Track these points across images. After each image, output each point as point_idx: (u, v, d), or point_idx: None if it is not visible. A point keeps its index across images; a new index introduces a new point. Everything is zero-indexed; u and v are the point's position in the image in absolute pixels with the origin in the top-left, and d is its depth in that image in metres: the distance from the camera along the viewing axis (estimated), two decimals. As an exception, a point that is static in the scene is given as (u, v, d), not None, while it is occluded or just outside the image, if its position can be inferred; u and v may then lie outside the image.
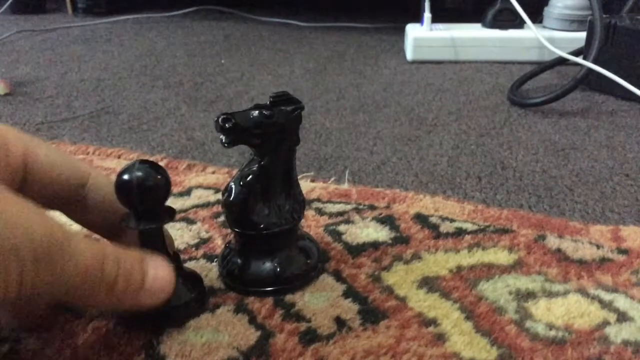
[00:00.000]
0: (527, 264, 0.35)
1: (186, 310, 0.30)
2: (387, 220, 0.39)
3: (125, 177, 0.27)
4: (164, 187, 0.28)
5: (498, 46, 0.83)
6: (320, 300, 0.32)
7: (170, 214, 0.29)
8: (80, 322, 0.30)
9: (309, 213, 0.41)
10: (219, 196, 0.43)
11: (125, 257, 0.25)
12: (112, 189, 0.28)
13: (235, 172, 0.34)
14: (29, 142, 0.25)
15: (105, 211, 0.28)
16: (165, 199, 0.28)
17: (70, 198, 0.27)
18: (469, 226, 0.39)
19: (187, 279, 0.31)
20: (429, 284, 0.33)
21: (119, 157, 0.51)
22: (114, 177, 0.27)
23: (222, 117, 0.29)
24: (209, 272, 0.34)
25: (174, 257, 0.30)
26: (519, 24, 0.84)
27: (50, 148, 0.26)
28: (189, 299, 0.30)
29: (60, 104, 0.68)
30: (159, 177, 0.27)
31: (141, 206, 0.27)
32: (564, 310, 0.31)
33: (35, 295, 0.21)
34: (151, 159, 0.50)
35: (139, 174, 0.27)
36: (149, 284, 0.25)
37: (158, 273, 0.26)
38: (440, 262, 0.35)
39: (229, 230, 0.38)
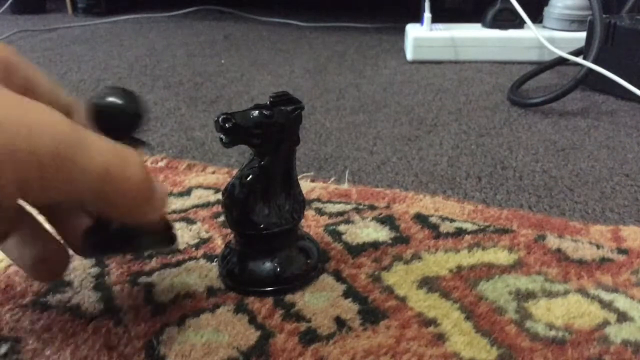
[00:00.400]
0: (527, 264, 0.35)
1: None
2: (387, 220, 0.39)
3: (100, 98, 0.26)
4: (135, 115, 0.27)
5: (498, 46, 0.84)
6: (320, 300, 0.32)
7: (140, 143, 0.28)
8: (80, 322, 0.30)
9: (309, 213, 0.41)
10: (219, 196, 0.43)
11: (138, 159, 0.23)
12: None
13: (235, 172, 0.34)
14: (31, 70, 0.24)
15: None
16: (136, 126, 0.28)
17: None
18: (469, 226, 0.39)
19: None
20: (429, 284, 0.33)
21: (119, 157, 0.51)
22: None
23: (222, 117, 0.29)
24: (209, 272, 0.34)
25: None
26: (519, 24, 0.84)
27: (49, 77, 0.25)
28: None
29: (60, 104, 0.68)
30: (132, 104, 0.26)
31: (113, 129, 0.26)
32: (564, 310, 0.31)
33: (53, 196, 0.20)
34: (151, 159, 0.51)
35: (113, 97, 0.26)
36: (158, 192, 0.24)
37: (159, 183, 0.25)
38: (440, 262, 0.35)
39: (229, 230, 0.38)
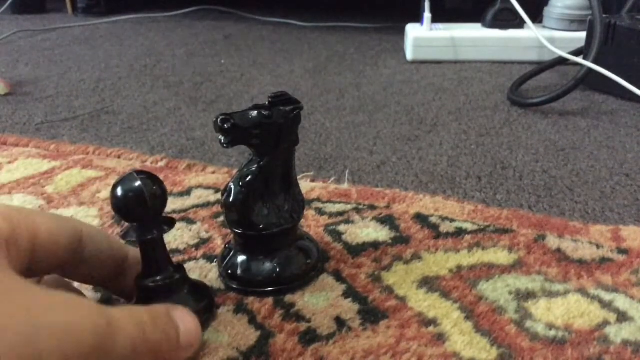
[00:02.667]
0: (527, 264, 0.35)
1: None
2: (387, 220, 0.39)
3: (123, 189, 0.27)
4: (162, 197, 0.27)
5: (498, 46, 0.83)
6: (320, 300, 0.32)
7: (169, 223, 0.29)
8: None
9: (309, 213, 0.41)
10: (219, 196, 0.43)
11: (158, 316, 0.25)
12: (104, 236, 0.28)
13: (235, 172, 0.34)
14: (29, 216, 0.25)
15: (102, 260, 0.28)
16: (163, 208, 0.28)
17: (70, 256, 0.27)
18: (469, 226, 0.39)
19: (194, 289, 0.30)
20: (429, 283, 0.33)
21: (119, 157, 0.51)
22: (113, 178, 0.27)
23: (221, 117, 0.29)
24: (209, 272, 0.34)
25: (178, 267, 0.30)
26: (519, 24, 0.84)
27: (44, 214, 0.26)
28: (198, 308, 0.29)
29: (60, 104, 0.68)
30: (154, 187, 0.27)
31: (140, 217, 0.27)
32: (564, 310, 0.31)
33: None
34: (151, 159, 0.51)
35: (137, 184, 0.26)
36: (182, 340, 0.25)
37: (186, 327, 0.26)
38: (440, 262, 0.35)
39: (229, 230, 0.38)
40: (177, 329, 0.25)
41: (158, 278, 0.28)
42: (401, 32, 0.93)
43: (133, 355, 0.23)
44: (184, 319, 0.26)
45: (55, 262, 0.26)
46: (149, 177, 0.27)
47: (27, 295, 0.21)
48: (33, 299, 0.21)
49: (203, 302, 0.30)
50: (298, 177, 0.34)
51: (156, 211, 0.28)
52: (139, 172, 0.27)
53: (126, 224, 0.28)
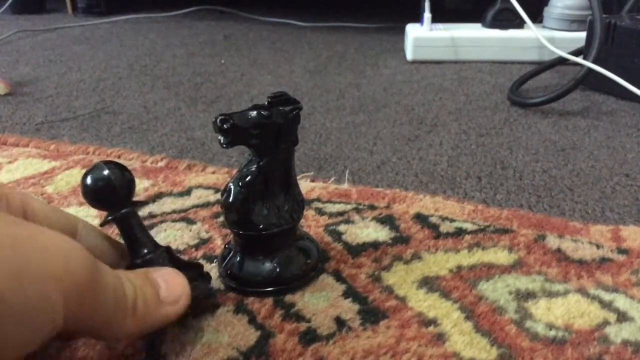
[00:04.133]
0: (527, 264, 0.35)
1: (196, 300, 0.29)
2: (387, 220, 0.39)
3: (92, 178, 0.27)
4: (129, 183, 0.28)
5: (498, 46, 0.83)
6: (320, 300, 0.32)
7: (138, 204, 0.29)
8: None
9: (309, 213, 0.41)
10: (219, 196, 0.43)
11: (133, 276, 0.25)
12: (100, 233, 0.29)
13: (235, 172, 0.34)
14: (24, 195, 0.25)
15: (98, 256, 0.28)
16: (132, 194, 0.29)
17: None
18: (469, 226, 0.39)
19: (185, 265, 0.30)
20: (429, 283, 0.33)
21: (119, 157, 0.51)
22: None
23: (220, 117, 0.29)
24: (209, 272, 0.34)
25: (166, 249, 0.30)
26: (519, 24, 0.84)
27: (42, 201, 0.26)
28: (190, 276, 0.29)
29: (60, 104, 0.68)
30: (122, 174, 0.28)
31: (111, 203, 0.28)
32: (564, 310, 0.31)
33: (76, 329, 0.21)
34: (151, 159, 0.51)
35: (105, 173, 0.27)
36: (164, 295, 0.25)
37: (169, 281, 0.26)
38: (440, 262, 0.35)
39: (228, 230, 0.38)
40: (156, 286, 0.25)
41: (144, 251, 0.29)
42: (401, 32, 0.93)
43: (115, 314, 0.22)
44: (166, 276, 0.26)
45: None
46: (117, 165, 0.28)
47: (25, 225, 0.20)
48: (25, 224, 0.20)
49: (195, 271, 0.30)
50: (298, 177, 0.34)
51: (126, 197, 0.28)
52: (106, 162, 0.28)
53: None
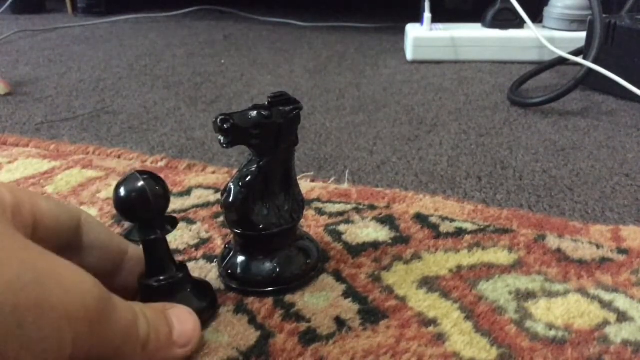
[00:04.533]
0: (527, 264, 0.35)
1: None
2: (387, 220, 0.39)
3: (126, 189, 0.27)
4: (164, 196, 0.28)
5: (498, 46, 0.83)
6: (320, 300, 0.32)
7: (172, 223, 0.29)
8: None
9: (309, 213, 0.41)
10: (219, 196, 0.43)
11: (150, 312, 0.25)
12: (103, 227, 0.28)
13: (235, 172, 0.34)
14: (32, 196, 0.25)
15: (101, 250, 0.28)
16: (166, 208, 0.28)
17: (70, 241, 0.27)
18: (469, 226, 0.39)
19: (197, 287, 0.30)
20: (429, 284, 0.33)
21: (118, 157, 0.51)
22: (113, 178, 0.27)
23: (220, 117, 0.29)
24: (209, 273, 0.34)
25: (181, 266, 0.30)
26: (519, 24, 0.84)
27: (45, 197, 0.26)
28: (201, 307, 0.29)
29: (60, 104, 0.68)
30: (157, 187, 0.27)
31: (143, 217, 0.27)
32: (564, 310, 0.31)
33: (86, 358, 0.22)
34: (151, 159, 0.51)
35: (139, 184, 0.27)
36: (176, 337, 0.26)
37: (183, 325, 0.26)
38: (440, 262, 0.35)
39: (228, 230, 0.38)
40: (170, 326, 0.25)
41: (161, 278, 0.28)
42: (401, 32, 0.93)
43: (124, 346, 0.23)
44: (182, 317, 0.26)
45: (55, 242, 0.26)
46: (152, 176, 0.27)
47: (48, 258, 0.21)
48: (45, 255, 0.21)
49: (206, 301, 0.30)
50: (298, 177, 0.34)
51: (159, 211, 0.28)
52: (141, 172, 0.27)
53: (127, 224, 0.28)
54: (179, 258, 0.36)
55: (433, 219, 0.40)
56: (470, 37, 0.84)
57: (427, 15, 0.84)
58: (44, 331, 0.19)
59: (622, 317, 0.30)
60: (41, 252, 0.21)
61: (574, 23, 0.82)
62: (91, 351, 0.21)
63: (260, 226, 0.32)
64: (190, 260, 0.36)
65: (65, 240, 0.26)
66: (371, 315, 0.30)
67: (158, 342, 0.25)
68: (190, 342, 0.26)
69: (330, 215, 0.40)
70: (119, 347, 0.23)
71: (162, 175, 0.29)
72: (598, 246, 0.36)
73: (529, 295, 0.32)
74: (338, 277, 0.34)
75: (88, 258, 0.28)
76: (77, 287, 0.21)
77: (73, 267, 0.22)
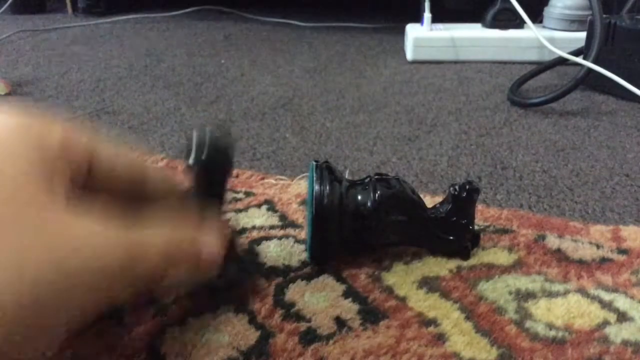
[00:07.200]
0: (527, 264, 0.35)
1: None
2: (387, 220, 0.39)
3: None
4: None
5: (498, 46, 0.83)
6: (320, 300, 0.32)
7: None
8: (80, 322, 0.30)
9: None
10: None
11: (183, 241, 0.26)
12: (167, 176, 0.29)
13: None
14: (92, 146, 0.26)
15: (164, 198, 0.29)
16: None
17: (131, 192, 0.27)
18: (469, 226, 0.39)
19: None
20: (429, 284, 0.33)
21: (119, 157, 0.51)
22: None
23: None
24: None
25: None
26: (519, 24, 0.84)
27: (110, 148, 0.27)
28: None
29: (60, 104, 0.68)
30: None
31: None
32: (564, 310, 0.31)
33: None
34: (151, 159, 0.51)
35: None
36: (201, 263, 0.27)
37: (208, 251, 0.27)
38: (440, 262, 0.35)
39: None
40: (198, 254, 0.26)
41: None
42: (401, 32, 0.93)
43: (160, 264, 0.24)
44: (208, 243, 0.27)
45: (113, 188, 0.26)
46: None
47: (60, 220, 0.22)
48: (65, 226, 0.21)
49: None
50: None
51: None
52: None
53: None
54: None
55: (433, 219, 0.40)
56: (470, 37, 0.84)
57: (427, 15, 0.84)
58: (76, 293, 0.21)
59: (622, 317, 0.30)
60: (67, 223, 0.22)
61: (574, 23, 0.82)
62: (124, 294, 0.24)
63: None
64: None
65: (126, 189, 0.27)
66: (371, 315, 0.30)
67: (187, 266, 0.26)
68: (211, 267, 0.27)
69: (331, 215, 0.40)
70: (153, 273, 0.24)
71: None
72: (598, 246, 0.36)
73: (529, 295, 0.32)
74: (338, 277, 0.34)
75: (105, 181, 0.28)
76: (98, 250, 0.22)
77: (96, 228, 0.22)
